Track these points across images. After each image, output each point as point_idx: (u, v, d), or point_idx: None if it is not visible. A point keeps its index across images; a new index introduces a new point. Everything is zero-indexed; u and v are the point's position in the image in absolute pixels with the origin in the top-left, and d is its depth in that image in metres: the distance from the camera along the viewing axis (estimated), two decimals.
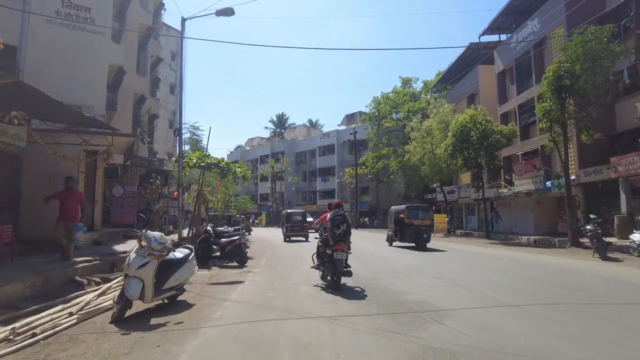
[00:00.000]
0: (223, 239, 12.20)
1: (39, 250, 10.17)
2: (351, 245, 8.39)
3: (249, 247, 12.78)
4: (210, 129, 60.75)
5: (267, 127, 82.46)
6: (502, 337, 4.65)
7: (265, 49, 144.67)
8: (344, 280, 7.89)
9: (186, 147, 54.43)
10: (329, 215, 8.20)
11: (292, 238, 23.46)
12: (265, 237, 26.10)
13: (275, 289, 7.89)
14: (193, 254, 7.07)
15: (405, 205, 18.99)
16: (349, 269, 7.83)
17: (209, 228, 12.66)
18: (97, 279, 8.13)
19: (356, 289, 7.77)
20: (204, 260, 11.78)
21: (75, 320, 5.39)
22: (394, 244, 18.79)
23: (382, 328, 5.01)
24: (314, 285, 8.18)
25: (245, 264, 11.86)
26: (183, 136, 17.32)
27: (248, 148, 76.62)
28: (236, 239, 12.03)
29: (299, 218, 24.22)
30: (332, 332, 4.90)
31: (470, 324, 5.14)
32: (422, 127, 30.97)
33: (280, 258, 14.05)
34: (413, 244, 17.52)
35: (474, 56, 34.14)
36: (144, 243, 5.95)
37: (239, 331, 5.02)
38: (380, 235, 29.26)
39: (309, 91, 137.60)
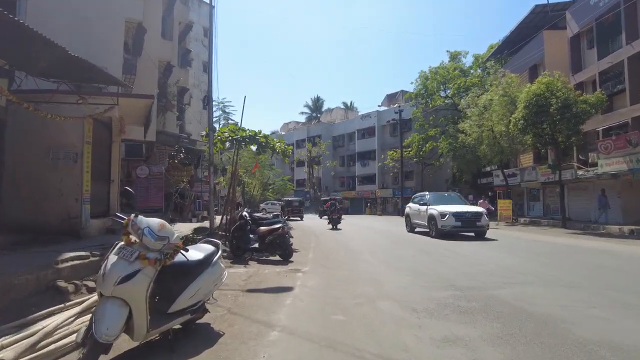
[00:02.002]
0: (262, 227, 9.78)
1: (37, 240, 8.04)
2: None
3: (292, 237, 10.28)
4: (245, 99, 58.15)
5: (302, 112, 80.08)
6: None
7: (297, 33, 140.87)
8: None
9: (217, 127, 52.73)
10: (329, 203, 21.16)
11: (290, 218, 31.15)
12: (303, 224, 23.68)
13: (342, 306, 5.26)
14: (220, 252, 4.48)
15: None
16: (340, 222, 20.43)
17: (245, 214, 10.23)
18: (91, 284, 5.82)
19: (341, 229, 19.14)
20: (240, 252, 9.63)
21: None
22: None
23: None
24: (329, 229, 18.66)
25: (290, 259, 9.39)
26: (213, 114, 15.03)
27: (283, 133, 74.32)
28: (278, 227, 9.58)
29: (297, 204, 34.69)
30: None
31: None
32: (480, 102, 27.37)
33: (329, 251, 11.53)
34: None
35: (538, 21, 29.94)
36: (133, 238, 3.45)
37: None
38: None
39: (343, 74, 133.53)
